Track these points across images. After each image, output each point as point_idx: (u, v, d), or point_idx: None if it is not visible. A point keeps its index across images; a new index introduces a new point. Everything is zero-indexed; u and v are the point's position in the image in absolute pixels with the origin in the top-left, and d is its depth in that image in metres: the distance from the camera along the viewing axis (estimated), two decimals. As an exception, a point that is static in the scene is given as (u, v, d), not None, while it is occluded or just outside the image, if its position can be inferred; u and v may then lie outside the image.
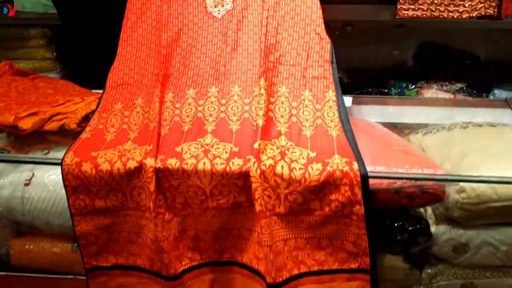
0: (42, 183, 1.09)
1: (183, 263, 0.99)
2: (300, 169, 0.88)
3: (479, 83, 2.07)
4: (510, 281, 1.03)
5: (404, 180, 0.93)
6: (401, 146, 1.04)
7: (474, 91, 2.03)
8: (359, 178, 0.87)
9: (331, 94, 1.08)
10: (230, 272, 1.04)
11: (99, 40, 1.57)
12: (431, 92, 2.04)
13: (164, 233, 0.96)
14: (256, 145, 0.92)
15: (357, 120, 1.21)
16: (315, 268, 0.97)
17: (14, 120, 1.09)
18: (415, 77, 2.21)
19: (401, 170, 0.92)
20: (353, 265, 0.95)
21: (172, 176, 0.93)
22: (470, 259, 1.00)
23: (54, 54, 2.14)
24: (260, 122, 0.97)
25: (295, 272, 0.96)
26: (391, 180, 0.93)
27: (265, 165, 0.89)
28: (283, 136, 0.97)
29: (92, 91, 1.34)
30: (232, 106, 1.05)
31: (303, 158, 0.91)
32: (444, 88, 2.04)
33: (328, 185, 0.88)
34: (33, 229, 1.16)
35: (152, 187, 0.92)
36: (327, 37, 1.16)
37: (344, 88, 2.05)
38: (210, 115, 1.03)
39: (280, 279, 0.95)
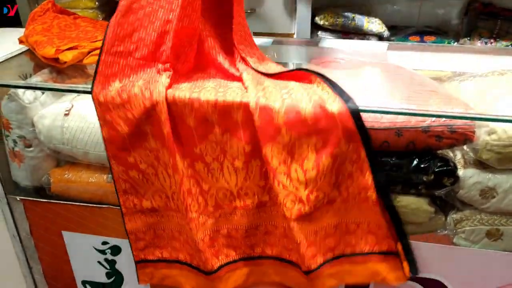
0: (81, 114, 1.14)
1: (220, 258, 1.07)
2: None
3: (526, 41, 1.99)
4: (539, 230, 1.01)
5: (433, 119, 0.92)
6: (433, 86, 1.02)
7: (520, 49, 1.95)
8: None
9: None
10: (263, 265, 1.11)
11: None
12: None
13: (199, 235, 1.03)
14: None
15: (388, 63, 1.20)
16: (348, 252, 1.02)
17: (55, 53, 1.14)
18: (459, 35, 2.14)
19: (430, 108, 0.90)
20: (384, 248, 0.98)
21: (202, 180, 1.00)
22: (497, 204, 0.99)
23: (96, 3, 2.20)
24: None
25: (329, 256, 1.01)
26: (420, 118, 0.92)
27: None
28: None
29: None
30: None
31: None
32: (489, 45, 1.98)
33: None
34: (72, 159, 1.22)
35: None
36: None
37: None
38: None
39: (315, 265, 1.00)
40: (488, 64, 1.28)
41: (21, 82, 1.15)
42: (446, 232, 1.06)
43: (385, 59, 1.26)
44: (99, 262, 1.31)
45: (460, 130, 0.93)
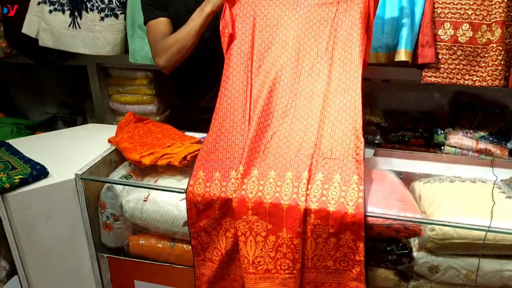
0: (155, 200, 1.64)
1: None
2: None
3: (501, 132, 2.41)
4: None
5: (393, 220, 1.38)
6: (399, 194, 1.49)
7: (495, 139, 2.37)
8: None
9: (355, 178, 1.40)
10: None
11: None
12: (457, 137, 2.41)
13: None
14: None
15: (374, 170, 1.66)
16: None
17: (139, 158, 1.66)
18: (446, 123, 2.58)
19: (391, 212, 1.37)
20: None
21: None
22: (440, 277, 1.42)
23: (153, 91, 2.74)
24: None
25: None
26: (385, 219, 1.39)
27: None
28: (312, 214, 1.37)
29: (185, 133, 1.90)
30: (285, 188, 1.42)
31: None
32: (469, 135, 2.40)
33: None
34: (146, 230, 1.71)
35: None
36: (362, 138, 1.46)
37: (383, 131, 2.49)
38: (268, 194, 1.41)
39: None
40: (450, 168, 1.74)
41: (127, 181, 1.68)
42: (407, 295, 1.50)
43: (370, 164, 1.73)
44: (160, 305, 1.78)
45: (411, 227, 1.39)
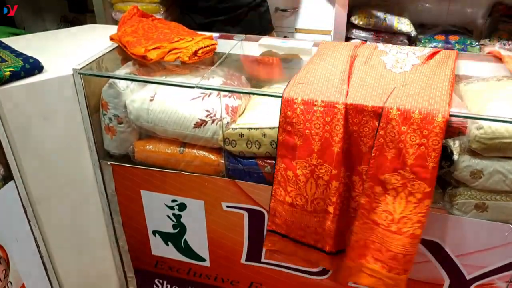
0: (162, 100, 1.47)
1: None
2: None
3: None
4: (517, 205, 1.29)
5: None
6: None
7: (535, 51, 2.15)
8: None
9: None
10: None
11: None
12: (494, 49, 2.19)
13: (332, 226, 1.33)
14: None
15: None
16: None
17: (144, 52, 1.47)
18: (481, 36, 2.36)
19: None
20: None
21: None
22: (483, 183, 1.26)
23: (159, -2, 2.50)
24: None
25: None
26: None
27: None
28: None
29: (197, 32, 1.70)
30: None
31: None
32: (506, 46, 2.19)
33: None
34: (152, 133, 1.55)
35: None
36: None
37: (411, 42, 2.27)
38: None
39: None
40: (493, 70, 1.53)
41: (133, 76, 1.50)
42: (443, 203, 1.35)
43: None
44: (167, 216, 1.65)
45: (455, 124, 1.21)
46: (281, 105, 1.27)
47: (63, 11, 3.24)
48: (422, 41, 2.28)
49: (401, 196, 1.23)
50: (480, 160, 1.25)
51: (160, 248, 1.76)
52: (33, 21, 3.28)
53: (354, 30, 2.31)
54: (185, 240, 1.69)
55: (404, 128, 1.18)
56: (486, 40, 2.23)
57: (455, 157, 1.27)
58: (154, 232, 1.73)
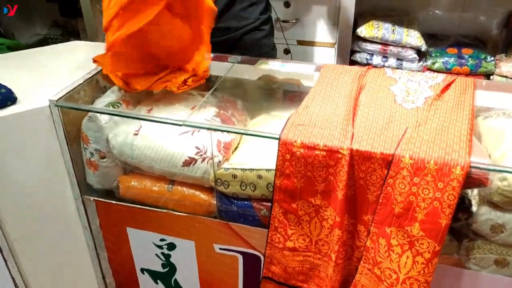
0: (148, 134, 1.33)
1: None
2: None
3: None
4: (541, 261, 1.15)
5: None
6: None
7: (556, 68, 2.00)
8: None
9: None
10: None
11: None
12: (510, 66, 2.04)
13: (338, 277, 1.20)
14: None
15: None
16: None
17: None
18: (497, 47, 2.20)
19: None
20: None
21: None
22: (505, 238, 1.12)
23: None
24: None
25: None
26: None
27: None
28: None
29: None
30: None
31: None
32: (524, 65, 2.03)
33: None
34: (138, 170, 1.42)
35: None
36: None
37: (421, 57, 2.12)
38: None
39: None
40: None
41: (113, 110, 1.36)
42: (458, 256, 1.21)
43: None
44: (156, 254, 1.52)
45: (475, 176, 1.07)
46: (279, 147, 1.14)
47: (54, 16, 3.11)
48: (433, 54, 2.12)
49: (407, 255, 1.09)
50: (502, 213, 1.11)
51: (149, 287, 1.63)
52: (23, 25, 3.15)
53: (359, 43, 2.15)
54: (175, 280, 1.57)
55: (416, 180, 1.04)
56: (502, 55, 2.07)
57: (474, 208, 1.13)
58: (142, 270, 1.60)
